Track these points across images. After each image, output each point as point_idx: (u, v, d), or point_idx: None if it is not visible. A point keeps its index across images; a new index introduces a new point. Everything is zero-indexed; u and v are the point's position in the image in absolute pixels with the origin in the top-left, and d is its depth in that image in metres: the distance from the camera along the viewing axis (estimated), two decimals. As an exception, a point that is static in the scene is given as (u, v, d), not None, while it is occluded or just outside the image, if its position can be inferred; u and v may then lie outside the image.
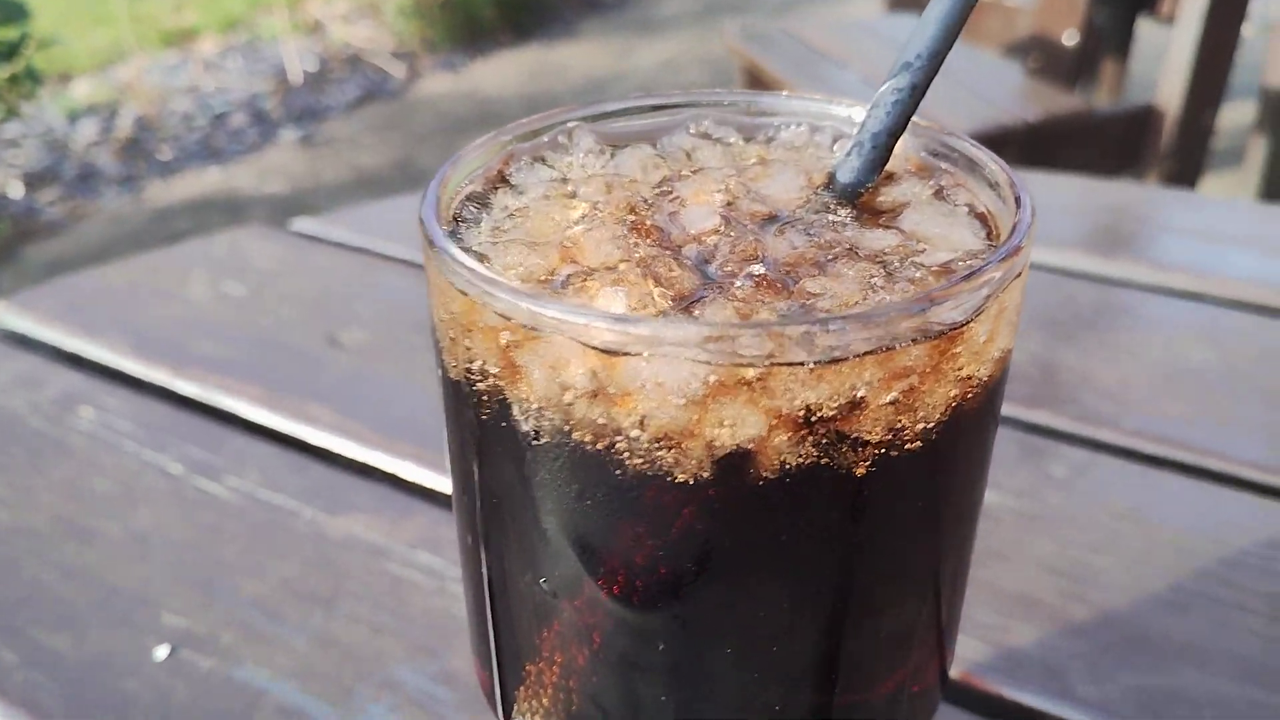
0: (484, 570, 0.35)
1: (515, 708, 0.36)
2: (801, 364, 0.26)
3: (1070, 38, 3.36)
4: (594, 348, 0.26)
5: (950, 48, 0.33)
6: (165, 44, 5.73)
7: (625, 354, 0.26)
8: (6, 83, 3.48)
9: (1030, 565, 0.71)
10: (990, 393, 0.31)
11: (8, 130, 4.79)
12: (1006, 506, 0.76)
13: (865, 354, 0.26)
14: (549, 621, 0.32)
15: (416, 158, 4.31)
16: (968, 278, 0.27)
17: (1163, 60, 2.97)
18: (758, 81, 3.47)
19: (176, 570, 0.73)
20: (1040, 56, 3.53)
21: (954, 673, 0.64)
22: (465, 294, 0.29)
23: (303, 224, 1.21)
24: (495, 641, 0.36)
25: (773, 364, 0.26)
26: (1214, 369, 0.91)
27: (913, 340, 0.27)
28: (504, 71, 5.23)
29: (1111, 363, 0.93)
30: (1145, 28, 3.66)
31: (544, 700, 0.34)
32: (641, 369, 0.26)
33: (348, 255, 1.15)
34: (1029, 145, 2.97)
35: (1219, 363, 0.92)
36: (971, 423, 0.30)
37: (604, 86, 4.84)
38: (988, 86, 3.14)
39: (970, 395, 0.29)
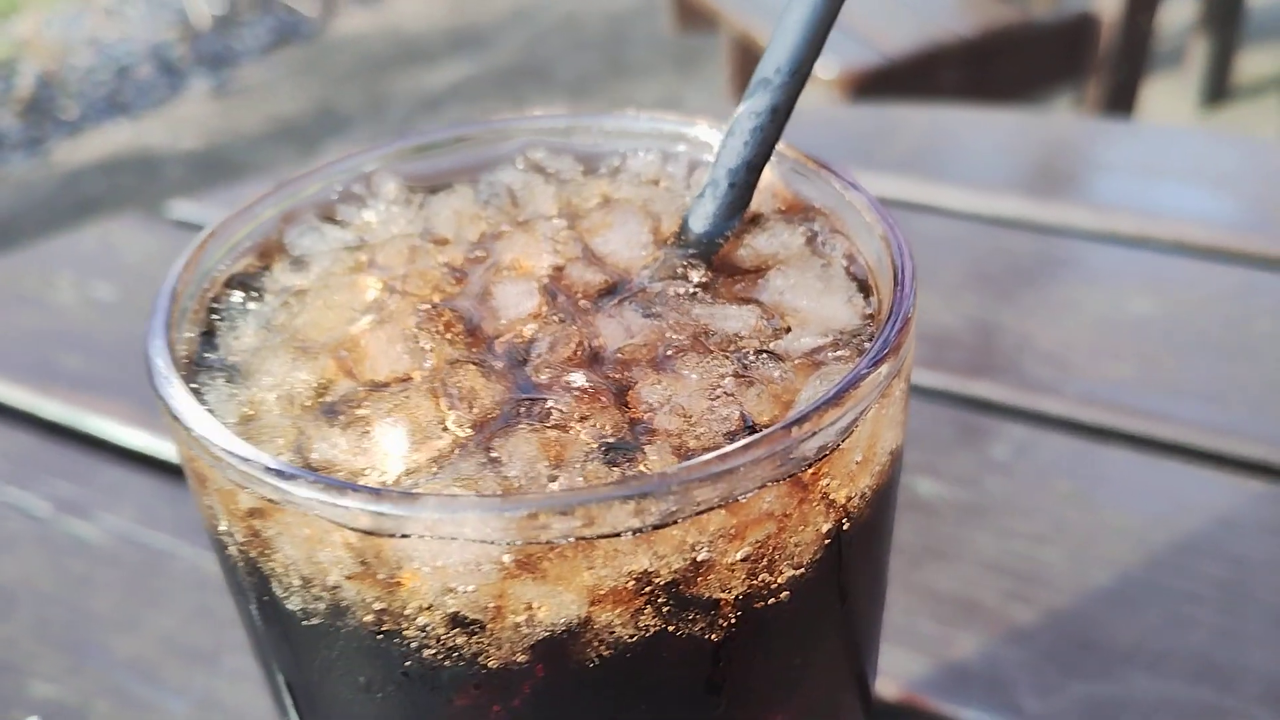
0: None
1: None
2: (621, 534, 0.19)
3: (1004, -53, 3.26)
4: (351, 529, 0.20)
5: (817, 57, 0.26)
6: (62, -8, 5.39)
7: (394, 536, 0.20)
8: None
9: (971, 564, 0.66)
10: (878, 504, 0.25)
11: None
12: (944, 498, 0.71)
13: (704, 511, 0.20)
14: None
15: (337, 103, 4.13)
16: (834, 401, 0.21)
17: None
18: (686, 1, 3.32)
19: (44, 629, 0.66)
20: (975, -33, 3.42)
21: (895, 693, 0.59)
22: (190, 451, 0.22)
23: (182, 209, 1.11)
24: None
25: (584, 539, 0.19)
26: (1158, 321, 0.87)
27: (764, 485, 0.21)
28: (426, 4, 5.00)
29: (1052, 321, 0.88)
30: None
31: None
32: (416, 550, 0.20)
33: (234, 243, 1.05)
34: (966, 61, 2.89)
35: (1163, 314, 0.87)
36: (856, 547, 0.24)
37: (531, 17, 4.65)
38: (921, 1, 3.04)
39: (851, 518, 0.23)
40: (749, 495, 0.20)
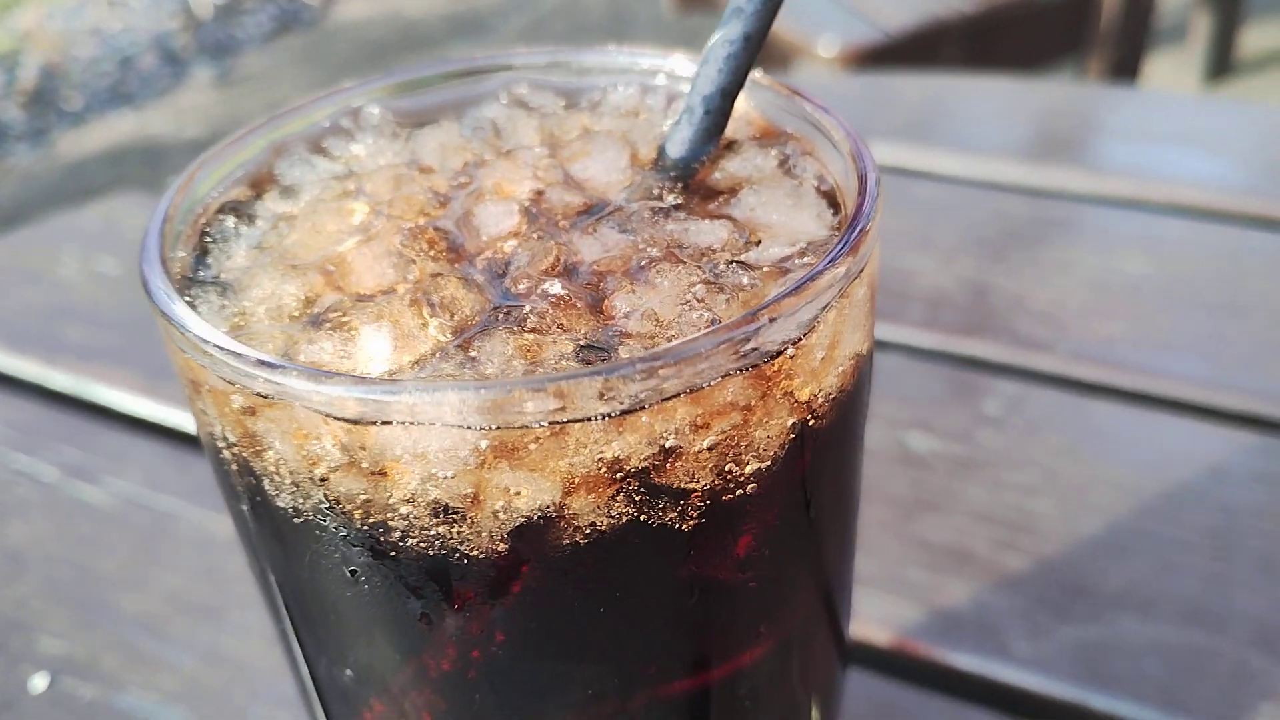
0: (295, 655, 0.29)
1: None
2: (592, 419, 0.20)
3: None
4: (337, 418, 0.21)
5: None
6: (63, -17, 5.39)
7: (376, 423, 0.21)
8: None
9: (963, 515, 0.67)
10: (844, 407, 0.26)
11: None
12: (937, 452, 0.72)
13: (671, 398, 0.21)
14: (360, 713, 0.27)
15: (340, 90, 4.13)
16: (794, 292, 0.22)
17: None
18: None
19: (53, 589, 0.67)
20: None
21: (887, 638, 0.60)
22: (184, 352, 0.23)
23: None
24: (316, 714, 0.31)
25: (556, 423, 0.20)
26: (1152, 281, 0.87)
27: (728, 374, 0.22)
28: (426, -10, 4.99)
29: (1045, 281, 0.88)
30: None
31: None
32: (397, 438, 0.21)
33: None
34: (967, 38, 2.88)
35: (1157, 274, 0.88)
36: (823, 447, 0.25)
37: (532, 1, 4.65)
38: (927, -24, 3.01)
39: (816, 417, 0.24)
40: (713, 384, 0.21)
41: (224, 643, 0.63)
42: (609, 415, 0.21)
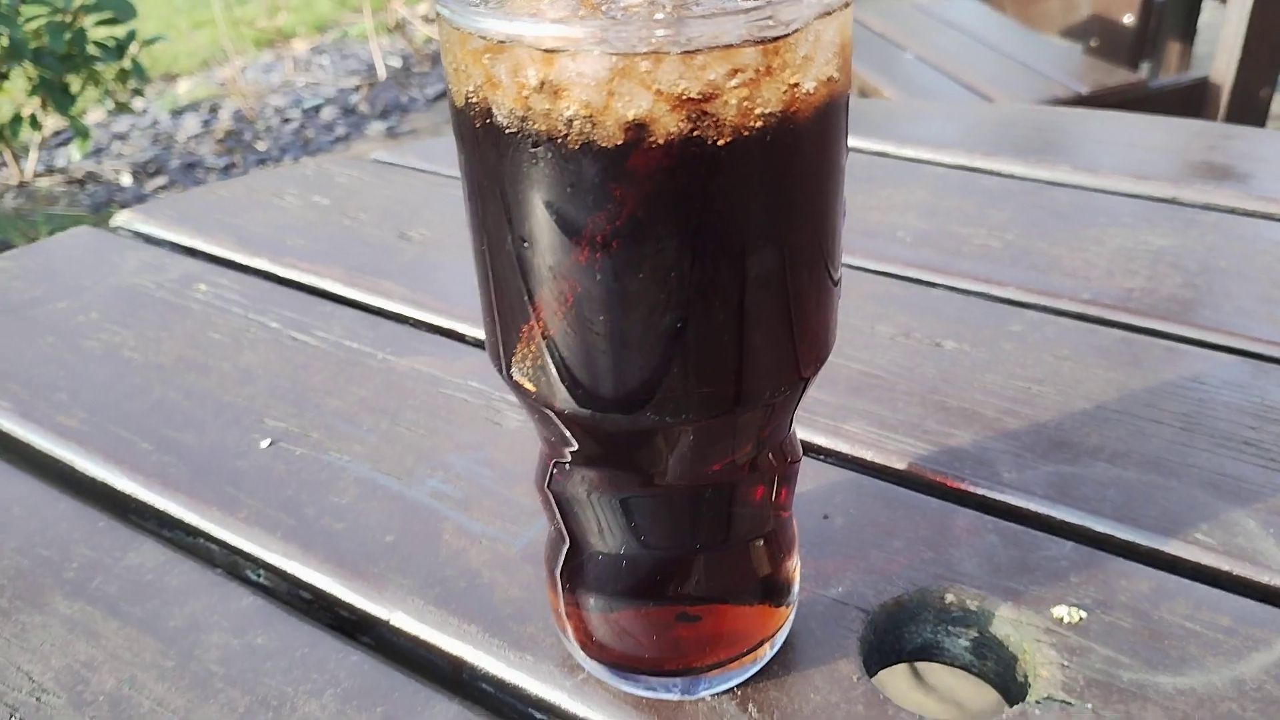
0: (485, 248, 0.50)
1: (512, 362, 0.51)
2: (667, 54, 0.40)
3: (1130, 18, 3.37)
4: (536, 49, 0.41)
5: None
6: (261, 45, 6.07)
7: (558, 51, 0.41)
8: (117, 78, 3.78)
9: (977, 390, 0.83)
10: (819, 109, 0.44)
11: (117, 125, 5.14)
12: (964, 351, 0.89)
13: (712, 49, 0.40)
14: (528, 277, 0.47)
15: (492, 146, 4.53)
16: (780, 3, 0.41)
17: (1219, 35, 2.98)
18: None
19: (275, 392, 0.90)
20: (1100, 38, 3.53)
21: (901, 464, 0.77)
22: (456, 27, 0.44)
23: (379, 154, 1.39)
24: (495, 308, 0.51)
25: (645, 54, 0.40)
26: (1171, 253, 1.02)
27: (745, 42, 0.41)
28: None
29: (1079, 249, 1.04)
30: (1213, 10, 3.67)
31: (530, 349, 0.49)
32: (568, 65, 0.41)
33: (417, 176, 1.32)
34: (1081, 120, 3.00)
35: (1177, 249, 1.03)
36: (802, 122, 0.44)
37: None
38: (1043, 64, 3.18)
39: (798, 102, 0.43)
40: (735, 44, 0.41)
41: (399, 431, 0.84)
42: (682, 50, 0.40)
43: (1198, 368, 0.85)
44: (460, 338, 0.97)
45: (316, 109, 5.06)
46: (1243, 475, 0.73)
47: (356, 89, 5.25)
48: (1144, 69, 4.58)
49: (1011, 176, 1.23)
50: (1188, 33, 4.34)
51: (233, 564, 0.73)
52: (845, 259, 1.05)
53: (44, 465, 0.84)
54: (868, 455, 0.78)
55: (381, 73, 5.43)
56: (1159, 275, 0.99)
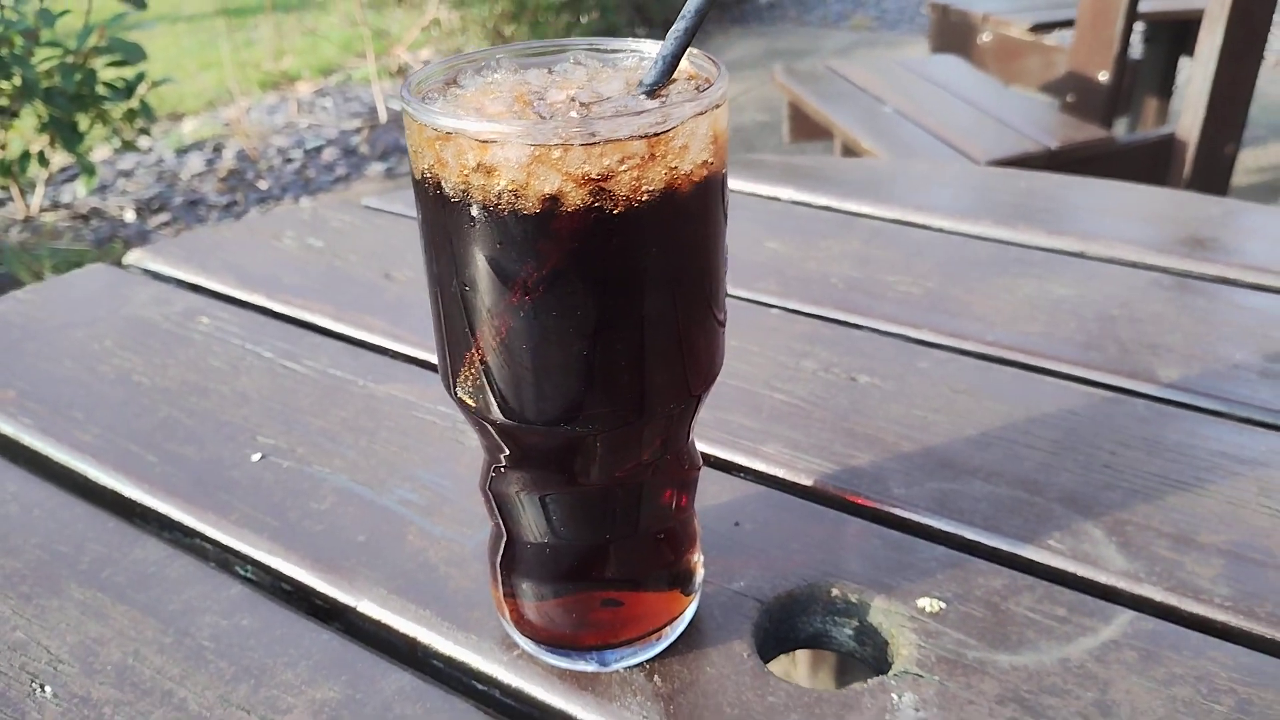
0: (437, 291, 0.62)
1: (456, 383, 0.63)
2: (573, 145, 0.52)
3: (1105, 75, 3.50)
4: (475, 139, 0.53)
5: (712, 4, 0.59)
6: (266, 87, 6.25)
7: (491, 142, 0.53)
8: (124, 117, 3.93)
9: (881, 419, 0.95)
10: (697, 186, 0.57)
11: (123, 162, 5.29)
12: (875, 385, 1.01)
13: (608, 141, 0.53)
14: (469, 314, 0.59)
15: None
16: (664, 107, 0.54)
17: (1184, 92, 3.11)
18: (801, 114, 3.73)
19: (267, 412, 1.02)
20: (1077, 94, 3.65)
21: (809, 481, 0.88)
22: (415, 119, 0.56)
23: (370, 200, 1.52)
24: (445, 339, 0.63)
25: (557, 145, 0.52)
26: (1070, 301, 1.14)
27: (632, 137, 0.53)
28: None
29: (991, 298, 1.17)
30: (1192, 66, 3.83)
31: (470, 372, 0.61)
32: (498, 151, 0.53)
33: (403, 221, 1.44)
34: (1049, 170, 3.14)
35: (1076, 298, 1.15)
36: (683, 196, 0.56)
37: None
38: (1018, 119, 3.30)
39: (678, 180, 0.55)
40: (627, 137, 0.53)
41: (376, 447, 0.96)
42: (581, 143, 0.53)
43: (1074, 401, 0.97)
44: (433, 368, 1.09)
45: (318, 149, 5.22)
46: (1096, 493, 0.84)
47: (358, 131, 5.43)
48: (1122, 124, 4.73)
49: (940, 230, 1.36)
50: (1164, 89, 4.50)
51: (224, 560, 0.84)
52: (782, 302, 1.17)
53: (62, 475, 0.95)
54: (780, 473, 0.89)
55: (383, 115, 5.60)
56: (1057, 321, 1.12)
